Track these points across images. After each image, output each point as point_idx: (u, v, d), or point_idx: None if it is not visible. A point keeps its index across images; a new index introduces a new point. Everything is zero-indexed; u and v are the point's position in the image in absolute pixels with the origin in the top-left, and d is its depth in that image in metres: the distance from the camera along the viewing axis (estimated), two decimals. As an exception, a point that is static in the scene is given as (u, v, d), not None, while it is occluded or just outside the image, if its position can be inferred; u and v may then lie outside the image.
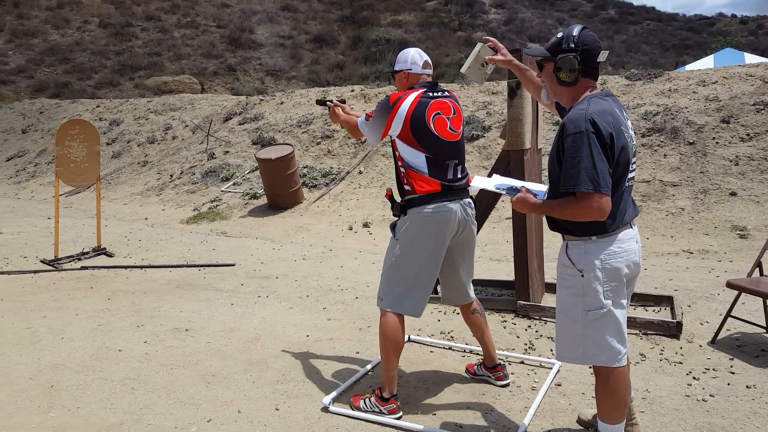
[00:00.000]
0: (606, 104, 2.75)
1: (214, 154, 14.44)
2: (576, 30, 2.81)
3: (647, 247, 7.69)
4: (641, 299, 5.49)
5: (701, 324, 4.93)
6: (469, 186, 3.55)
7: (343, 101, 4.11)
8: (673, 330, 4.66)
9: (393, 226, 3.66)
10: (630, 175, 2.82)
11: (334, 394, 3.75)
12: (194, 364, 4.33)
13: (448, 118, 3.58)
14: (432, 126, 3.51)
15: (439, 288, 3.96)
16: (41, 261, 7.62)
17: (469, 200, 3.68)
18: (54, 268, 7.29)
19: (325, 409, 3.61)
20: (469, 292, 3.86)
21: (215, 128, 16.03)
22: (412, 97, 3.52)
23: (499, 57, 3.51)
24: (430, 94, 3.57)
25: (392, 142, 3.62)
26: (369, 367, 4.22)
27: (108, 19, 43.07)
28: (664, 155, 9.40)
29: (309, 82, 35.09)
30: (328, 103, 4.08)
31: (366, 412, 3.53)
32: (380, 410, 3.51)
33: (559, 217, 2.81)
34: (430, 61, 3.77)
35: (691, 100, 10.29)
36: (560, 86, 2.89)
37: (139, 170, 15.64)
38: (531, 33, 43.91)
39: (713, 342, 4.55)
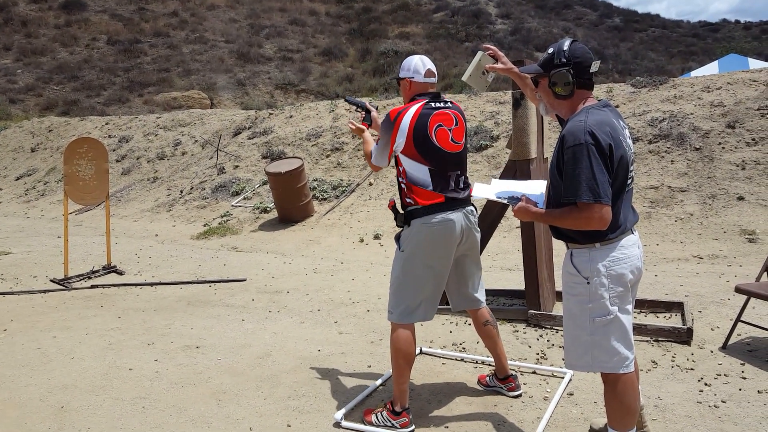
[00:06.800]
0: (604, 115, 2.79)
1: (224, 168, 14.49)
2: (566, 44, 2.87)
3: (657, 253, 7.66)
4: (651, 306, 5.47)
5: (712, 330, 4.91)
6: (471, 196, 3.56)
7: (374, 108, 4.12)
8: (684, 336, 4.65)
9: (398, 238, 3.66)
10: (628, 182, 2.85)
11: (345, 409, 3.75)
12: (205, 381, 4.35)
13: (450, 130, 3.58)
14: (434, 138, 3.52)
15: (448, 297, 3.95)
16: (51, 280, 7.65)
17: (471, 208, 3.68)
18: (64, 288, 7.32)
19: (337, 425, 3.62)
20: (477, 297, 3.86)
21: (225, 143, 16.10)
22: (413, 110, 3.53)
23: (499, 65, 3.55)
24: (432, 105, 3.58)
25: (396, 158, 3.63)
26: (380, 381, 4.22)
27: (116, 36, 43.38)
28: (672, 161, 9.38)
29: (318, 95, 35.24)
30: (361, 125, 4.07)
31: (378, 426, 3.53)
32: (392, 424, 3.51)
33: (561, 226, 2.86)
34: (434, 69, 3.75)
35: (697, 106, 10.27)
36: (557, 100, 2.95)
37: (149, 187, 15.71)
38: (537, 42, 43.94)
39: (724, 347, 4.53)
